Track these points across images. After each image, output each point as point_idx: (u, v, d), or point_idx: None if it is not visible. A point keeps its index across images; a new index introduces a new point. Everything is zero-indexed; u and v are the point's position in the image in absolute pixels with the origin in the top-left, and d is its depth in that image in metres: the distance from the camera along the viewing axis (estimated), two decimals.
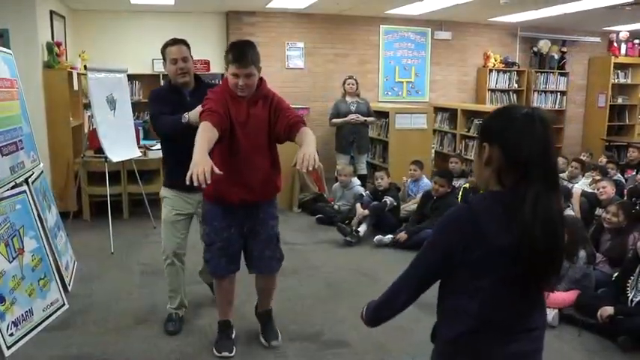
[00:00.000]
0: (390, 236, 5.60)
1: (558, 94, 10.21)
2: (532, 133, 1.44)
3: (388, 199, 6.04)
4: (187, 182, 2.24)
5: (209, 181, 2.25)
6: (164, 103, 3.34)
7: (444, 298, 1.62)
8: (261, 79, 3.02)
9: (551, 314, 3.73)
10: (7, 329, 3.29)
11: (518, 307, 1.51)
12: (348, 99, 7.16)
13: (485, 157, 1.50)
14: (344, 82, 7.25)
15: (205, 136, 2.57)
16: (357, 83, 7.24)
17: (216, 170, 2.30)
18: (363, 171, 7.32)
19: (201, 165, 2.28)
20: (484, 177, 1.53)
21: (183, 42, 3.42)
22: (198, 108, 2.94)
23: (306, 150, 2.59)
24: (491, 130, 1.50)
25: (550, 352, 3.32)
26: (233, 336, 3.34)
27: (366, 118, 7.07)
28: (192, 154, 2.38)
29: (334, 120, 7.17)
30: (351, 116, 6.97)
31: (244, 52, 2.87)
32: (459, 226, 1.49)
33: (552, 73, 10.08)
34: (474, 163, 1.73)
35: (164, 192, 3.53)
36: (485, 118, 1.60)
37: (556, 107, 10.26)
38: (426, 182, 6.38)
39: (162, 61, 3.51)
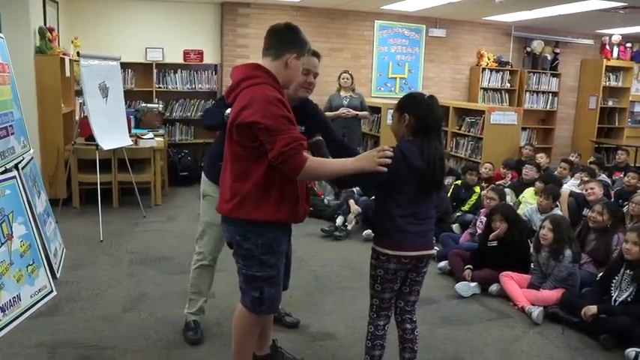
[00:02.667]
0: None
1: (550, 94, 10.27)
2: (432, 108, 2.55)
3: None
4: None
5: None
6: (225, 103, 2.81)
7: (379, 201, 2.65)
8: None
9: (536, 312, 3.79)
10: None
11: (422, 204, 2.57)
12: (343, 93, 7.16)
13: (405, 122, 2.53)
14: (339, 77, 7.26)
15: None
16: (352, 78, 7.24)
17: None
18: None
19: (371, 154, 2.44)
20: (402, 132, 2.57)
21: (319, 57, 2.99)
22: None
23: None
24: (410, 106, 2.55)
25: (533, 349, 3.40)
26: None
27: (357, 113, 7.06)
28: None
29: (327, 113, 7.17)
30: (342, 110, 6.95)
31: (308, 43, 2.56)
32: (398, 157, 2.43)
33: (545, 73, 10.13)
34: (394, 125, 2.63)
35: (210, 189, 3.16)
36: (404, 99, 2.60)
37: (547, 108, 10.32)
38: None
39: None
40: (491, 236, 4.43)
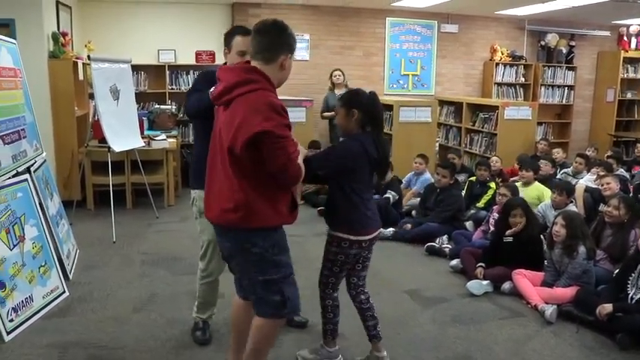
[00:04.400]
0: (391, 229, 5.61)
1: (566, 88, 10.13)
2: (375, 104, 2.83)
3: (391, 194, 6.06)
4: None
5: None
6: (207, 85, 2.83)
7: (338, 190, 2.81)
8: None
9: (549, 310, 3.73)
10: (7, 315, 3.33)
11: (370, 187, 2.92)
12: (337, 91, 7.20)
13: (354, 117, 2.77)
14: (331, 75, 7.33)
15: None
16: (343, 75, 7.37)
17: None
18: None
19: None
20: (351, 127, 2.81)
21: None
22: None
23: None
24: (357, 102, 2.79)
25: (546, 348, 3.34)
26: None
27: None
28: None
29: (325, 114, 7.29)
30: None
31: None
32: (358, 149, 2.75)
33: (560, 67, 9.99)
34: (341, 120, 2.85)
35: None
36: (351, 96, 2.86)
37: (563, 102, 10.18)
38: (428, 177, 6.37)
39: (224, 49, 3.15)
40: (509, 232, 4.37)
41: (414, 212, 6.11)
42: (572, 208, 5.02)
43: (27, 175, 4.04)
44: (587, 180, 6.08)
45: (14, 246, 3.59)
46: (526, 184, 5.80)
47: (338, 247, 2.83)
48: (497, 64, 9.59)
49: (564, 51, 10.00)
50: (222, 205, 2.37)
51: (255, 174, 2.31)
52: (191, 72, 8.28)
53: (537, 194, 5.69)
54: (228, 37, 3.06)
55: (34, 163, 4.31)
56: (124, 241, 5.23)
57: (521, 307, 3.95)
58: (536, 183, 5.85)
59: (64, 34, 6.42)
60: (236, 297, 2.73)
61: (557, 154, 7.30)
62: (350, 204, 2.78)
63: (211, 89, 2.60)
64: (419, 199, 6.10)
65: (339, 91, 7.20)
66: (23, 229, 3.74)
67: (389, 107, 7.45)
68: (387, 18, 9.09)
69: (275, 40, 2.35)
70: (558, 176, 6.56)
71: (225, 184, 2.36)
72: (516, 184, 5.76)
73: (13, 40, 4.41)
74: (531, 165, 6.00)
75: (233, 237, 2.42)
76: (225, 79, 2.36)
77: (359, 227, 2.80)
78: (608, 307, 3.47)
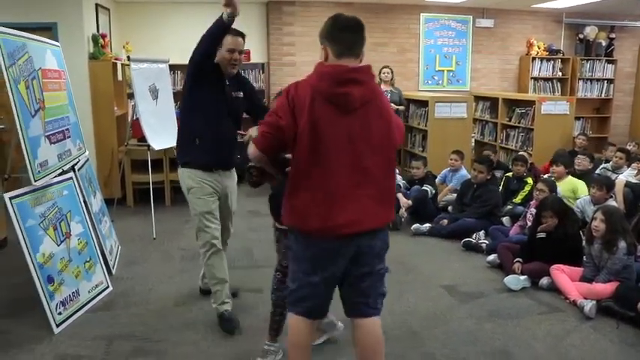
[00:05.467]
0: (427, 225, 5.60)
1: (605, 82, 9.89)
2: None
3: (428, 188, 6.05)
4: None
5: None
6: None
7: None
8: None
9: (588, 305, 3.68)
10: (56, 308, 3.47)
11: None
12: (383, 87, 7.26)
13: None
14: (380, 72, 7.44)
15: None
16: (392, 72, 7.48)
17: None
18: None
19: None
20: None
21: (243, 35, 3.50)
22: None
23: None
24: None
25: (585, 343, 3.31)
26: None
27: (397, 107, 7.27)
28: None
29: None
30: None
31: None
32: None
33: (599, 60, 9.77)
34: None
35: (194, 182, 3.46)
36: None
37: (602, 96, 9.95)
38: (464, 173, 6.32)
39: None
40: (539, 228, 4.33)
41: (450, 208, 6.08)
42: (611, 203, 4.93)
43: (72, 174, 4.18)
44: (627, 175, 5.94)
45: (61, 242, 3.72)
46: (558, 178, 5.71)
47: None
48: (533, 59, 9.43)
49: (604, 44, 9.77)
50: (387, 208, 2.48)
51: None
52: None
53: (571, 188, 5.63)
54: None
55: (78, 161, 4.46)
56: (163, 238, 5.36)
57: (559, 303, 3.91)
58: (570, 177, 5.77)
59: (103, 36, 6.60)
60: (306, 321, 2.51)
61: (611, 152, 7.02)
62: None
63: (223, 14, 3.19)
64: (455, 195, 6.08)
65: (385, 88, 7.32)
66: (69, 226, 3.88)
67: (424, 103, 7.45)
68: (421, 14, 9.04)
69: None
70: (597, 171, 6.43)
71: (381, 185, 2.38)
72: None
73: (57, 43, 4.57)
74: (563, 160, 5.90)
75: (383, 237, 2.51)
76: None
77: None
78: None
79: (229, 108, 3.48)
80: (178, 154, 3.59)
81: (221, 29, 3.28)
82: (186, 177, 3.46)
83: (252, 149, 2.34)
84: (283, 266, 2.85)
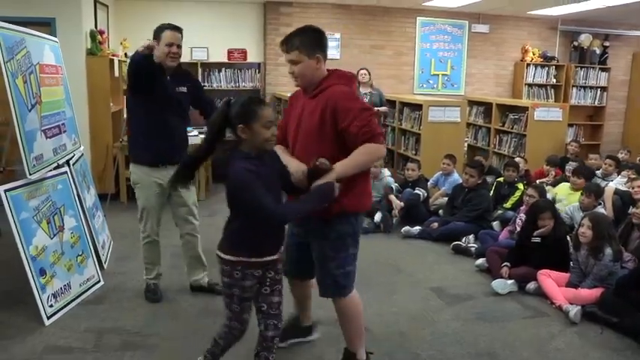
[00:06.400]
0: (417, 227, 5.66)
1: (598, 89, 10.01)
2: None
3: (421, 191, 6.12)
4: None
5: None
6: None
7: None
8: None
9: (573, 310, 3.74)
10: (48, 300, 3.50)
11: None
12: (362, 90, 7.27)
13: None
14: (357, 73, 7.36)
15: None
16: (369, 74, 7.43)
17: None
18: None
19: None
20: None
21: (180, 30, 3.63)
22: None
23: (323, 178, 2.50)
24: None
25: (570, 348, 3.37)
26: None
27: (378, 109, 7.22)
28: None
29: None
30: None
31: (290, 35, 2.69)
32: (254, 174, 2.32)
33: (593, 68, 9.88)
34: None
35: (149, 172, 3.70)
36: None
37: (595, 103, 10.06)
38: (457, 178, 6.38)
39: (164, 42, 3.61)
40: (537, 232, 4.37)
41: (441, 211, 6.14)
42: (600, 210, 5.00)
43: (66, 168, 4.22)
44: (617, 183, 6.01)
45: (54, 235, 3.76)
46: (577, 189, 5.56)
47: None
48: (528, 65, 9.53)
49: (598, 51, 9.88)
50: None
51: None
52: (223, 69, 8.45)
53: None
54: (158, 32, 3.58)
55: (73, 156, 4.49)
56: None
57: (545, 307, 3.97)
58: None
59: (101, 32, 6.63)
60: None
61: (595, 160, 7.07)
62: None
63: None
64: (446, 199, 6.14)
65: (364, 90, 7.30)
66: (63, 220, 3.91)
67: (418, 107, 7.49)
68: (417, 17, 9.12)
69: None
70: None
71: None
72: (564, 186, 5.75)
73: (56, 39, 4.60)
74: (583, 172, 5.77)
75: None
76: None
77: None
78: None
79: (172, 104, 3.62)
80: (129, 151, 3.84)
81: (141, 69, 3.42)
82: (134, 172, 3.73)
83: (378, 149, 2.60)
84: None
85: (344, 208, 2.65)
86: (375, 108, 7.09)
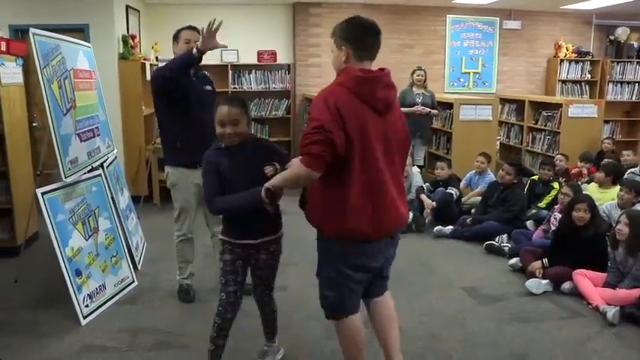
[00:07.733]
0: (450, 227, 5.60)
1: (636, 84, 9.70)
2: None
3: (454, 191, 6.04)
4: None
5: None
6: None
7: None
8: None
9: (611, 311, 3.64)
10: (84, 301, 3.58)
11: None
12: (415, 89, 7.18)
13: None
14: (413, 72, 7.28)
15: None
16: (425, 74, 7.26)
17: None
18: (421, 161, 7.34)
19: None
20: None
21: (197, 30, 3.72)
22: None
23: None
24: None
25: (607, 350, 3.28)
26: None
27: (430, 110, 7.09)
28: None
29: (401, 109, 7.18)
30: (417, 107, 6.99)
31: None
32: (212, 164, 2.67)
33: (630, 62, 9.59)
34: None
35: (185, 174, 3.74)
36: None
37: (633, 99, 9.76)
38: (491, 177, 6.28)
39: (173, 43, 3.85)
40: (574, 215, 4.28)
41: (473, 210, 6.06)
42: (639, 207, 4.86)
43: (100, 171, 4.30)
44: None
45: (89, 237, 3.84)
46: (600, 185, 5.52)
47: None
48: (561, 61, 9.33)
49: (635, 45, 9.60)
50: (402, 210, 2.50)
51: None
52: (253, 71, 8.51)
53: None
54: (176, 34, 3.79)
55: (107, 159, 4.58)
56: None
57: (581, 308, 3.88)
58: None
59: (133, 37, 6.75)
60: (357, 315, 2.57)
61: (628, 156, 6.96)
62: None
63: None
64: (479, 198, 6.05)
65: (418, 91, 7.18)
66: (97, 221, 3.99)
67: (449, 105, 7.41)
68: (447, 15, 9.02)
69: None
70: (625, 176, 6.33)
71: (400, 188, 2.49)
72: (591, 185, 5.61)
73: (89, 44, 4.70)
74: (610, 169, 5.59)
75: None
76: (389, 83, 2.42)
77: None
78: None
79: (205, 103, 3.63)
80: (164, 154, 3.89)
81: (191, 63, 3.55)
82: (171, 174, 3.79)
83: (303, 171, 2.19)
84: None
85: (322, 229, 2.42)
86: (427, 109, 7.03)
